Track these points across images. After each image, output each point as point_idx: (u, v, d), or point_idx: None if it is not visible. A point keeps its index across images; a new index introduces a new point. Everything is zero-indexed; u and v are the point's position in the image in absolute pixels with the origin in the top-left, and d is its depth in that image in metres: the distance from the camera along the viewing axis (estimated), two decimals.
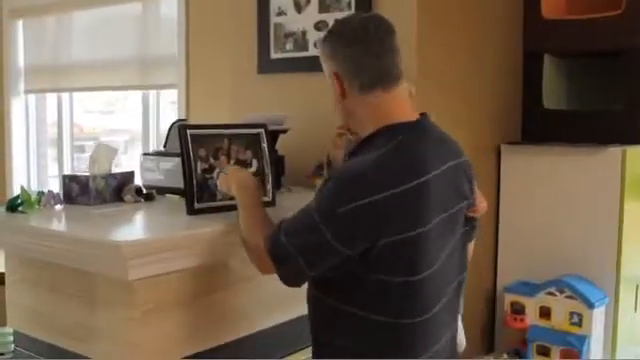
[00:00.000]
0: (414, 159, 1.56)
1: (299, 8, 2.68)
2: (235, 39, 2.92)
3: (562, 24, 3.03)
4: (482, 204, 1.81)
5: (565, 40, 3.03)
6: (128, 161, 3.82)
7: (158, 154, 2.39)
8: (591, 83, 3.17)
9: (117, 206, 2.11)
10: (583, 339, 2.65)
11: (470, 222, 1.79)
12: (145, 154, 2.42)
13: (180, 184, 2.22)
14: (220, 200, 1.98)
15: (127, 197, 2.17)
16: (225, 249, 1.81)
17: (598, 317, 2.69)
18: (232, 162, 2.03)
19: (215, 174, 1.98)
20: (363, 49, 1.61)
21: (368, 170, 1.52)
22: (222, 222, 1.81)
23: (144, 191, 2.23)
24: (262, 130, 2.11)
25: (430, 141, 1.63)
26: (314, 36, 2.64)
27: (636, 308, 2.97)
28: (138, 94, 3.97)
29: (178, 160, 2.25)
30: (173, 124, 2.35)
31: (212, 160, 1.99)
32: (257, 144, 2.10)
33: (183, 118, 2.36)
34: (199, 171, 1.95)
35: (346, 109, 1.68)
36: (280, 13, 2.73)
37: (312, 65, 2.64)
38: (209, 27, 3.16)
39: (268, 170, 2.09)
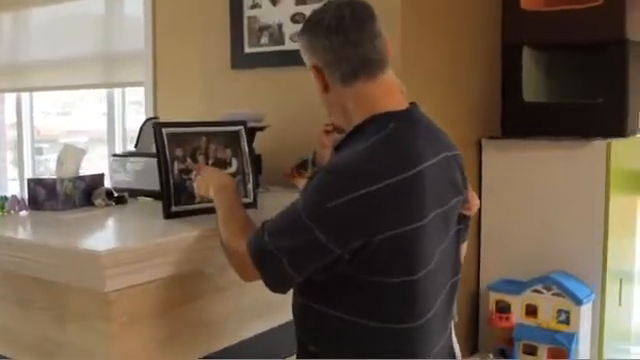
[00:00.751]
0: (408, 148, 1.47)
1: (274, 0, 2.57)
2: (207, 33, 2.80)
3: (541, 16, 2.97)
4: (475, 201, 1.73)
5: (544, 32, 2.97)
6: (88, 163, 3.66)
7: (129, 155, 2.26)
8: (570, 76, 3.12)
9: (87, 211, 1.97)
10: (571, 337, 2.60)
11: (464, 220, 1.70)
12: (114, 155, 2.29)
13: (153, 186, 2.10)
14: (198, 202, 1.86)
15: (98, 201, 2.04)
16: (204, 255, 1.69)
17: (586, 314, 2.64)
18: (210, 162, 1.91)
19: (193, 175, 1.85)
20: (341, 39, 1.50)
21: (359, 160, 1.42)
22: (202, 226, 1.69)
23: (115, 194, 2.10)
24: (242, 128, 1.99)
25: (422, 130, 1.54)
26: (291, 29, 2.54)
27: (620, 302, 2.93)
28: (95, 94, 3.81)
29: (150, 161, 2.15)
30: (145, 123, 2.22)
31: (189, 160, 1.86)
32: (236, 142, 1.98)
33: (155, 116, 2.23)
34: (176, 172, 1.83)
35: (330, 103, 1.58)
36: (254, 6, 2.62)
37: (289, 59, 2.56)
38: (178, 21, 3.02)
39: (248, 169, 1.98)
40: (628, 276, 3.06)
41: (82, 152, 2.09)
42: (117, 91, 3.75)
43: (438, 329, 1.59)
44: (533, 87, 3.09)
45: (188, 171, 1.85)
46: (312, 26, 1.55)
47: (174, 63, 3.10)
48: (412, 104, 1.56)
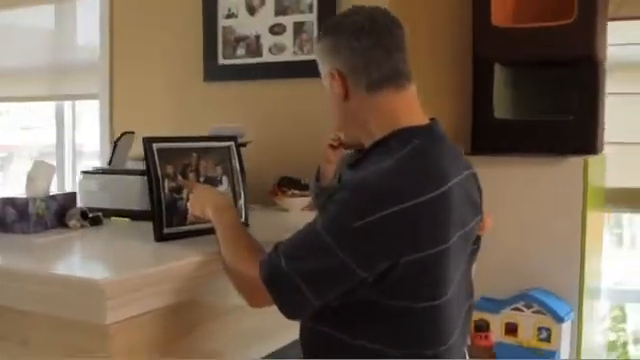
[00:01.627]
0: (435, 166, 1.39)
1: (252, 10, 2.46)
2: (176, 43, 2.67)
3: (512, 33, 2.96)
4: (490, 219, 1.66)
5: (515, 49, 2.96)
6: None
7: (103, 172, 2.09)
8: (540, 93, 3.12)
9: (62, 233, 1.81)
10: (553, 354, 2.57)
11: (477, 241, 1.63)
12: (85, 172, 2.12)
13: (131, 205, 1.98)
14: (190, 224, 1.73)
15: (72, 222, 1.87)
16: (204, 282, 1.56)
17: (566, 331, 2.62)
18: (202, 179, 1.78)
19: (185, 194, 1.72)
20: (372, 42, 1.42)
21: (387, 177, 1.32)
22: (202, 250, 1.56)
23: (89, 215, 1.93)
24: (232, 143, 1.88)
25: (445, 147, 1.46)
26: (269, 41, 2.44)
27: (592, 318, 2.93)
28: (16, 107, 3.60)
29: (127, 178, 2.01)
30: (120, 137, 2.06)
31: (180, 178, 1.73)
32: (227, 159, 1.86)
33: (131, 131, 2.08)
34: (167, 191, 1.69)
35: (348, 112, 1.48)
36: (230, 15, 2.50)
37: (267, 72, 2.47)
38: (140, 29, 2.86)
39: (240, 187, 1.86)
40: (596, 292, 3.08)
41: (53, 169, 1.92)
42: (67, 104, 3.55)
43: (458, 354, 1.51)
44: (503, 104, 3.08)
45: (179, 190, 1.72)
46: (339, 27, 1.45)
47: (135, 75, 2.93)
48: (432, 120, 1.48)
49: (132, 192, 2.01)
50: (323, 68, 1.50)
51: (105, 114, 3.12)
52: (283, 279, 1.34)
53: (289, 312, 1.39)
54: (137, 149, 2.13)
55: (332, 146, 1.82)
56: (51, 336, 1.40)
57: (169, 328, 1.51)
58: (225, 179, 1.84)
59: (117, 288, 1.29)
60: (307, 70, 2.39)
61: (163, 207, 1.66)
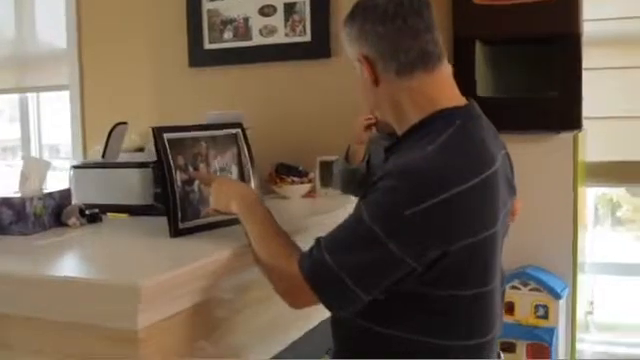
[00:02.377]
0: (480, 147, 1.33)
1: None
2: (157, 27, 2.54)
3: (493, 9, 2.93)
4: (519, 204, 1.62)
5: (496, 26, 2.93)
6: None
7: (96, 166, 1.97)
8: (521, 70, 3.11)
9: (62, 233, 1.70)
10: (552, 331, 2.57)
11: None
12: (76, 167, 2.00)
13: (128, 200, 1.88)
14: (204, 217, 1.64)
15: (71, 220, 1.76)
16: (228, 277, 1.48)
17: (562, 307, 2.63)
18: (212, 169, 1.69)
19: (196, 186, 1.64)
20: (399, 26, 1.35)
21: (434, 162, 1.26)
22: (224, 244, 1.48)
23: (86, 212, 1.82)
24: (239, 130, 1.79)
25: (485, 127, 1.41)
26: (259, 23, 2.34)
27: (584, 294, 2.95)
28: None
29: (125, 172, 1.91)
30: (114, 128, 1.94)
31: (191, 169, 1.64)
32: (235, 146, 1.77)
33: (124, 121, 1.96)
34: (179, 183, 1.60)
35: (379, 97, 1.41)
36: None
37: (257, 56, 2.37)
38: (111, 13, 2.71)
39: (250, 175, 1.78)
40: (585, 267, 3.10)
41: (47, 165, 1.80)
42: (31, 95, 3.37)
43: (496, 347, 1.47)
44: (485, 82, 3.06)
45: (191, 181, 1.63)
46: (365, 12, 1.38)
47: (109, 63, 2.79)
48: (468, 99, 1.43)
49: (130, 186, 1.91)
50: (351, 53, 1.43)
51: (76, 106, 2.97)
52: (328, 275, 1.26)
53: (336, 308, 1.32)
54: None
55: (368, 126, 1.74)
56: (70, 344, 1.30)
57: (196, 327, 1.43)
58: (234, 168, 1.76)
59: (152, 291, 1.20)
60: (300, 52, 2.33)
61: (177, 201, 1.57)
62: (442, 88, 1.39)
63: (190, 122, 1.83)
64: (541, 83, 2.98)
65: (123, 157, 2.00)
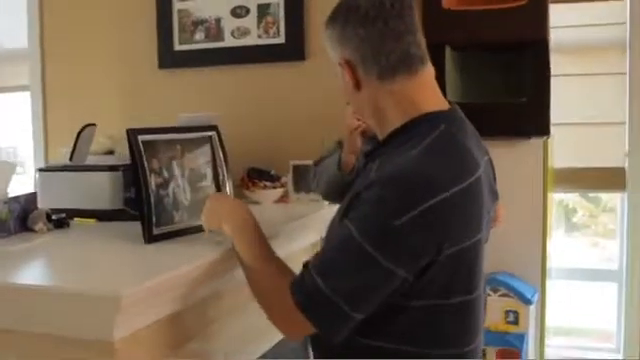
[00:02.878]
0: (465, 152, 1.31)
1: None
2: (126, 27, 2.47)
3: (463, 16, 2.94)
4: (502, 210, 1.60)
5: (466, 32, 2.94)
6: None
7: (64, 169, 1.90)
8: (490, 75, 3.12)
9: (30, 239, 1.63)
10: (522, 337, 2.57)
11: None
12: (43, 170, 1.92)
13: (98, 205, 1.83)
14: (178, 222, 1.59)
15: (38, 226, 1.69)
16: (208, 284, 1.43)
17: (532, 313, 2.64)
18: (187, 173, 1.64)
19: (170, 190, 1.58)
20: (380, 28, 1.31)
21: (421, 167, 1.23)
22: (201, 251, 1.43)
23: (53, 217, 1.75)
24: (214, 133, 1.74)
25: (469, 132, 1.39)
26: (232, 24, 2.29)
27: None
28: None
29: (94, 175, 1.85)
30: (82, 130, 1.87)
31: (166, 173, 1.59)
32: (210, 150, 1.73)
33: (93, 123, 1.89)
34: (154, 187, 1.54)
35: (362, 102, 1.37)
36: None
37: (229, 57, 2.33)
38: (77, 11, 2.62)
39: (225, 179, 1.73)
40: (551, 273, 3.12)
41: (12, 167, 1.72)
42: None
43: (479, 357, 1.45)
44: (454, 87, 3.06)
45: (166, 185, 1.57)
46: (346, 14, 1.34)
47: (73, 63, 2.70)
48: (451, 103, 1.41)
49: (99, 190, 1.84)
50: (333, 56, 1.39)
51: (37, 108, 2.87)
52: (323, 302, 1.21)
53: (332, 336, 1.26)
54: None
55: (363, 132, 1.67)
56: (43, 357, 1.24)
57: (173, 335, 1.38)
58: (209, 171, 1.71)
59: (132, 300, 1.14)
60: (273, 55, 2.29)
61: (152, 206, 1.52)
62: (425, 91, 1.36)
63: (160, 124, 1.77)
64: (510, 89, 3.00)
65: (91, 160, 1.93)
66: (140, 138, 1.52)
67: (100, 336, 1.17)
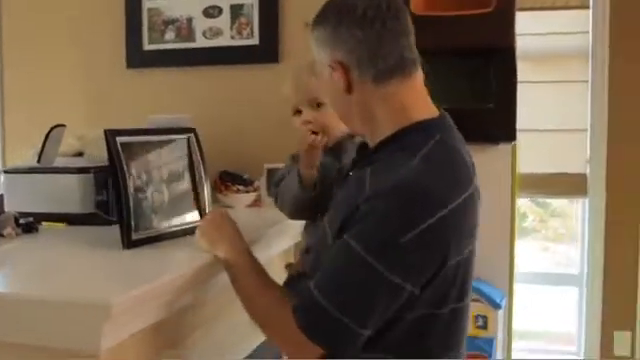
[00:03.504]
0: (462, 161, 1.29)
1: None
2: (92, 25, 2.39)
3: (431, 21, 2.94)
4: None
5: (434, 38, 2.94)
6: None
7: (31, 171, 1.82)
8: (456, 81, 3.14)
9: None
10: (491, 342, 2.58)
11: None
12: (8, 171, 1.84)
13: (67, 208, 1.77)
14: (156, 227, 1.54)
15: (7, 230, 1.61)
16: (192, 290, 1.39)
17: (501, 317, 2.65)
18: (165, 176, 1.59)
19: (149, 193, 1.53)
20: (378, 30, 1.26)
21: (423, 179, 1.20)
22: (189, 256, 1.40)
23: (21, 221, 1.67)
24: (192, 135, 1.69)
25: (458, 139, 1.37)
26: (203, 24, 2.24)
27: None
28: None
29: (63, 177, 1.78)
30: (51, 130, 1.79)
31: (144, 176, 1.53)
32: (187, 153, 1.68)
33: (61, 124, 1.81)
34: (132, 191, 1.48)
35: (352, 106, 1.32)
36: None
37: (201, 58, 2.27)
38: (39, 8, 2.53)
39: (202, 182, 1.68)
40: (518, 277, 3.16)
41: None
42: None
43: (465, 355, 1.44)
44: None
45: (144, 189, 1.52)
46: (340, 14, 1.29)
47: (35, 61, 2.59)
48: (440, 109, 1.39)
49: (69, 193, 1.77)
50: (320, 57, 1.33)
51: None
52: (329, 323, 1.18)
53: (342, 356, 1.22)
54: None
55: (312, 146, 1.59)
56: None
57: (157, 343, 1.33)
58: (186, 174, 1.66)
59: (121, 309, 1.09)
60: (247, 56, 2.25)
61: (131, 210, 1.46)
62: (417, 97, 1.32)
63: (128, 125, 1.70)
64: (477, 95, 3.02)
65: (60, 162, 1.86)
66: (118, 140, 1.47)
67: (86, 346, 1.11)
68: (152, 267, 1.35)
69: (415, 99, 1.32)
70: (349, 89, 1.30)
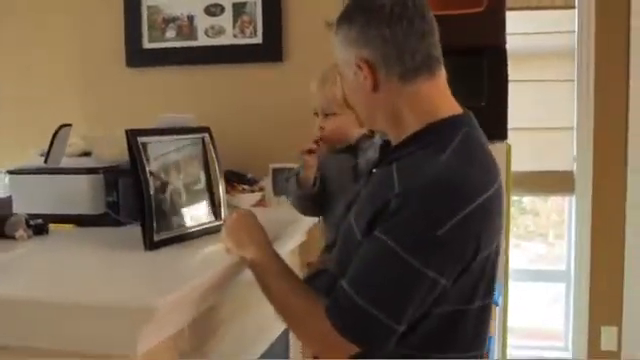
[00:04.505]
0: (489, 154, 1.30)
1: None
2: (91, 23, 2.34)
3: None
4: None
5: None
6: None
7: (38, 172, 1.78)
8: (448, 81, 3.16)
9: (11, 247, 1.52)
10: (490, 339, 2.60)
11: None
12: (13, 172, 1.79)
13: (77, 209, 1.74)
14: (176, 227, 1.52)
15: (18, 233, 1.57)
16: (217, 291, 1.38)
17: (498, 315, 2.67)
18: (182, 176, 1.57)
19: (168, 194, 1.51)
20: (405, 28, 1.26)
21: (456, 172, 1.20)
22: (215, 257, 1.38)
23: (31, 222, 1.64)
24: (206, 135, 1.67)
25: (484, 137, 1.38)
26: (205, 22, 2.22)
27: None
28: None
29: (73, 178, 1.75)
30: (58, 130, 1.75)
31: (163, 176, 1.51)
32: (202, 152, 1.66)
33: (68, 123, 1.77)
34: (152, 192, 1.46)
35: (377, 104, 1.31)
36: None
37: (203, 57, 2.25)
38: (35, 5, 2.47)
39: (218, 181, 1.66)
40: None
41: None
42: None
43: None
44: None
45: (164, 189, 1.50)
46: (367, 13, 1.28)
47: (27, 60, 2.53)
48: (463, 107, 1.39)
49: (79, 194, 1.74)
50: (347, 56, 1.32)
51: None
52: (365, 321, 1.18)
53: (379, 352, 1.22)
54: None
55: (311, 151, 1.68)
56: None
57: (183, 345, 1.31)
58: (202, 174, 1.64)
59: (163, 311, 1.07)
60: (250, 55, 2.23)
61: (153, 211, 1.43)
62: (442, 95, 1.33)
63: (128, 125, 1.66)
64: (469, 93, 3.04)
65: (66, 162, 1.82)
66: (140, 140, 1.44)
67: (122, 350, 1.09)
68: (183, 268, 1.33)
69: (440, 97, 1.32)
70: (375, 88, 1.29)
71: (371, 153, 1.61)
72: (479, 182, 1.21)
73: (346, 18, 1.32)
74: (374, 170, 1.38)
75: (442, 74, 1.34)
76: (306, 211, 1.82)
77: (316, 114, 1.72)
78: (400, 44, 1.26)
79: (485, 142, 1.33)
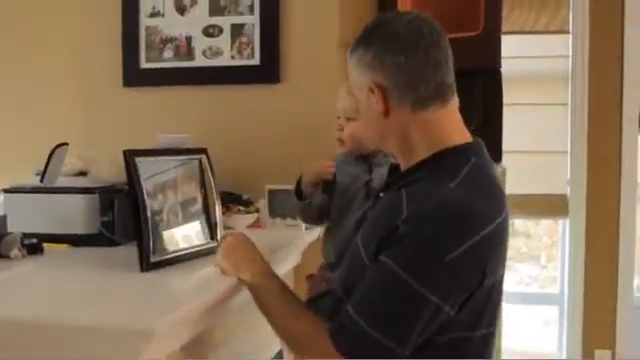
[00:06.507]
0: (497, 184, 1.31)
1: (182, 9, 2.23)
2: (88, 43, 2.35)
3: None
4: None
5: None
6: None
7: (34, 191, 1.77)
8: None
9: (7, 267, 1.50)
10: None
11: None
12: (8, 191, 1.79)
13: (72, 229, 1.72)
14: (173, 249, 1.52)
15: (13, 252, 1.57)
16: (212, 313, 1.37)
17: None
18: (179, 198, 1.57)
19: (165, 215, 1.51)
20: (420, 57, 1.26)
21: (462, 200, 1.20)
22: (212, 278, 1.38)
23: (26, 242, 1.63)
24: (204, 156, 1.67)
25: (492, 165, 1.38)
26: (203, 43, 2.23)
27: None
28: None
29: (68, 198, 1.75)
30: (55, 149, 1.75)
31: (160, 197, 1.51)
32: (199, 174, 1.66)
33: (64, 142, 1.77)
34: (149, 213, 1.46)
35: (388, 129, 1.32)
36: (155, 14, 2.25)
37: (200, 77, 2.26)
38: (30, 23, 2.47)
39: (215, 203, 1.66)
40: None
41: None
42: None
43: None
44: None
45: (160, 210, 1.50)
46: (384, 39, 1.28)
47: (22, 79, 2.53)
48: (473, 135, 1.40)
49: (74, 214, 1.74)
50: (359, 79, 1.33)
51: None
52: (370, 346, 1.17)
53: None
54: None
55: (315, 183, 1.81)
56: None
57: None
58: (199, 195, 1.64)
59: (161, 333, 1.06)
60: (247, 76, 2.24)
61: (150, 232, 1.43)
62: (453, 123, 1.33)
63: (124, 146, 1.66)
64: (465, 116, 3.06)
65: (62, 181, 1.81)
66: (137, 160, 1.44)
67: None
68: (180, 290, 1.33)
69: (451, 125, 1.32)
70: (387, 113, 1.29)
71: (384, 170, 1.62)
72: (487, 211, 1.22)
73: (363, 42, 1.32)
74: (381, 194, 1.39)
75: (455, 101, 1.34)
76: (308, 221, 1.91)
77: (338, 117, 1.77)
78: (414, 73, 1.26)
79: (494, 172, 1.34)
